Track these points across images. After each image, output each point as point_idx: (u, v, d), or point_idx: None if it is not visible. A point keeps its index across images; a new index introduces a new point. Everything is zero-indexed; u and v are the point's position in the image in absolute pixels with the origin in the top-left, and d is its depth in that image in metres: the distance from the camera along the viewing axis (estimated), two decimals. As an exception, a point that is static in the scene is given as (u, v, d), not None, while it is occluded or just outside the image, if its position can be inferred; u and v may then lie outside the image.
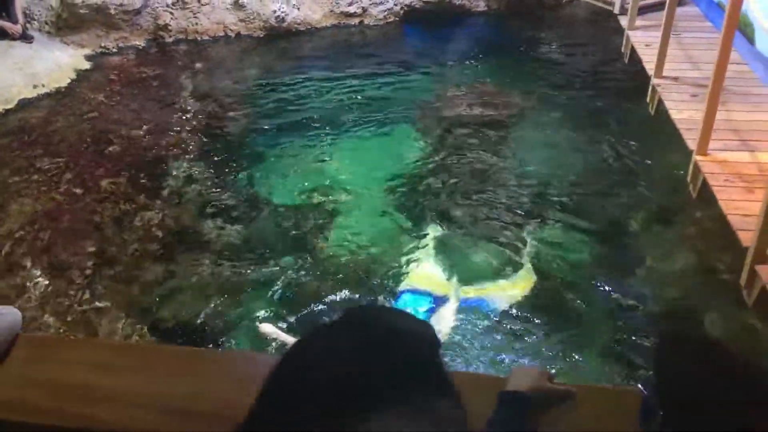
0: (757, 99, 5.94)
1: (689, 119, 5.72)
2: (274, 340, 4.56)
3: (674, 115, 5.83)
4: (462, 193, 6.09)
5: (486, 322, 4.65)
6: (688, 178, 5.38)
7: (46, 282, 5.02)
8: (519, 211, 5.83)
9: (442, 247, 5.39)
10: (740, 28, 6.90)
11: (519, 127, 7.24)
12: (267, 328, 4.63)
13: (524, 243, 5.45)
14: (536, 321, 4.66)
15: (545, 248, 5.41)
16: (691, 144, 5.34)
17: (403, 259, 5.26)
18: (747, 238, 4.26)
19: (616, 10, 8.05)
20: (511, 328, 4.60)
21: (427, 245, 5.41)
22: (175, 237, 5.65)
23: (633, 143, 6.55)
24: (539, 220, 5.73)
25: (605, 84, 8.08)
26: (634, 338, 4.53)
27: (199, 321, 4.77)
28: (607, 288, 4.95)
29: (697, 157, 5.19)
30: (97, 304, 4.94)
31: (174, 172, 6.48)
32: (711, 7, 7.89)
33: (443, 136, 7.06)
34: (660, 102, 6.36)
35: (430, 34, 9.82)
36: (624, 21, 7.88)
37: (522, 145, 6.90)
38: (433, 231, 5.58)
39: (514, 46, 9.36)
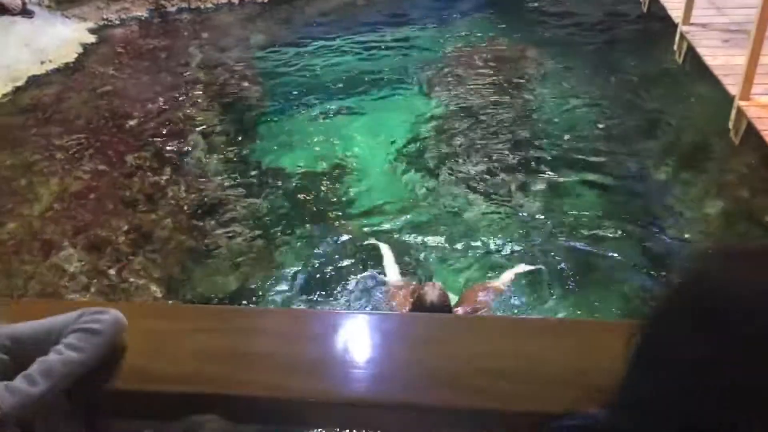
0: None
1: (726, 65, 5.63)
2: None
3: (709, 61, 5.73)
4: (483, 155, 5.95)
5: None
6: (730, 124, 5.30)
7: (85, 262, 4.91)
8: (549, 168, 5.76)
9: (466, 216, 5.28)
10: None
11: (540, 83, 7.13)
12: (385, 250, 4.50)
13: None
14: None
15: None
16: (732, 90, 5.26)
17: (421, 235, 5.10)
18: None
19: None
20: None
21: (456, 218, 5.29)
22: (204, 210, 5.54)
23: (664, 92, 6.48)
24: (573, 175, 5.66)
25: (625, 34, 7.97)
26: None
27: (236, 290, 4.69)
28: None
29: (740, 103, 5.11)
30: (139, 281, 4.84)
31: (195, 144, 6.34)
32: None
33: (457, 96, 6.93)
34: (689, 49, 6.26)
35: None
36: (641, -32, 7.73)
37: (545, 100, 6.80)
38: (455, 199, 5.47)
39: (521, 2, 9.18)
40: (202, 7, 9.04)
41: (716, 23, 6.39)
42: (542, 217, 5.20)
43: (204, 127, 6.57)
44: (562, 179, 5.65)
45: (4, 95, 6.90)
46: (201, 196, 5.65)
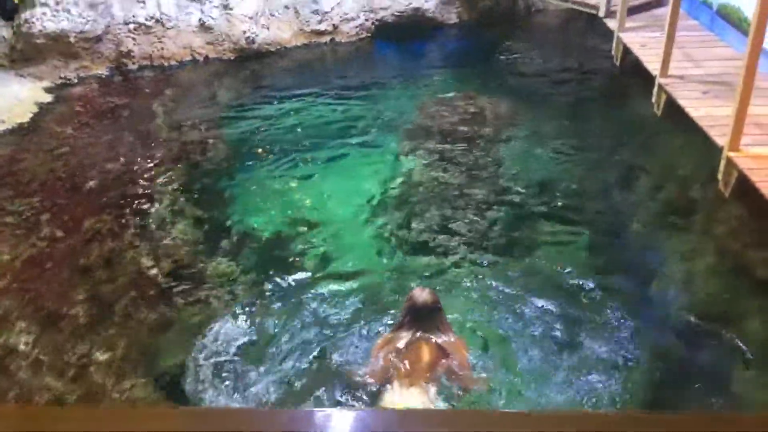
0: (765, 93, 5.81)
1: (710, 116, 5.53)
2: None
3: (692, 112, 5.63)
4: (447, 213, 5.69)
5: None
6: (719, 175, 5.16)
7: (38, 338, 4.43)
8: (527, 224, 5.55)
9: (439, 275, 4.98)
10: (739, 25, 6.83)
11: (514, 137, 6.97)
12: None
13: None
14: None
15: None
16: (720, 141, 5.14)
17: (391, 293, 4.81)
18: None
19: (602, 14, 7.92)
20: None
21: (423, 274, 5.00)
22: (168, 276, 5.14)
23: (644, 144, 6.38)
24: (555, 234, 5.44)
25: (599, 88, 7.95)
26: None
27: (202, 367, 4.25)
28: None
29: (730, 154, 4.98)
30: (97, 357, 4.38)
31: (159, 206, 5.98)
32: (694, 4, 7.83)
33: (430, 151, 6.71)
34: (668, 101, 6.18)
35: (404, 47, 9.57)
36: (612, 23, 7.74)
37: (522, 155, 6.61)
38: (430, 256, 5.18)
39: (493, 55, 9.18)
40: (166, 64, 8.77)
41: (693, 75, 6.36)
42: (519, 274, 4.93)
43: (168, 187, 6.21)
44: (541, 236, 5.44)
45: (-48, 158, 6.45)
46: (165, 261, 5.25)
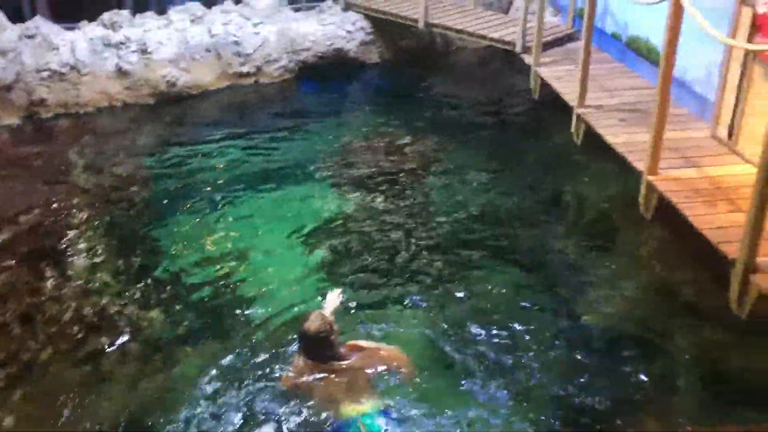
0: (678, 119, 6.10)
1: (628, 142, 5.75)
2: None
3: (611, 140, 5.85)
4: (380, 248, 5.65)
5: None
6: (640, 199, 5.34)
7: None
8: (453, 254, 5.56)
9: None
10: (648, 56, 7.17)
11: (439, 169, 7.04)
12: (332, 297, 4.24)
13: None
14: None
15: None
16: (639, 165, 5.33)
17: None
18: (730, 250, 4.18)
19: (518, 50, 8.18)
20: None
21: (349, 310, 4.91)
22: (92, 329, 4.86)
23: (566, 172, 6.55)
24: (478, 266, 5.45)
25: (520, 119, 8.17)
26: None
27: (133, 421, 4.02)
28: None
29: (649, 177, 5.16)
30: (18, 424, 4.07)
31: (78, 256, 5.69)
32: (603, 38, 8.20)
33: (357, 188, 6.69)
34: (587, 130, 6.39)
35: (328, 87, 9.60)
36: (528, 59, 8.00)
37: (447, 188, 6.67)
38: (360, 294, 5.09)
39: (415, 92, 9.34)
40: (82, 111, 8.48)
41: (609, 104, 6.62)
42: (446, 303, 4.91)
43: (87, 236, 5.93)
44: (468, 264, 5.43)
45: None
46: (87, 313, 4.97)
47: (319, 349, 3.74)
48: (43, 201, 6.44)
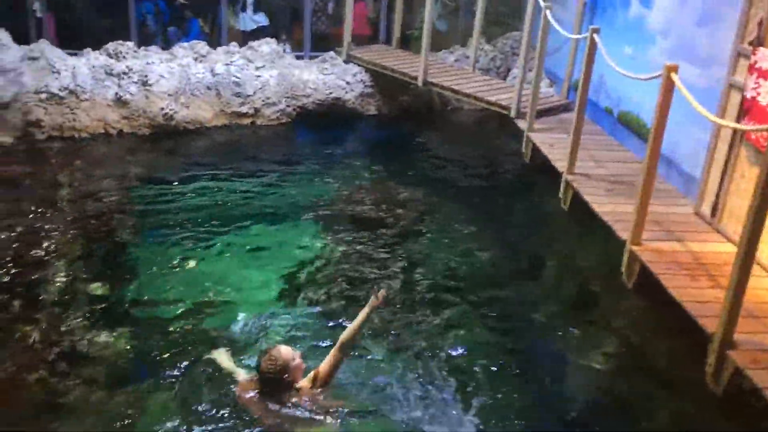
0: (664, 194, 6.20)
1: (614, 212, 5.82)
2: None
3: (597, 208, 5.92)
4: (356, 296, 5.53)
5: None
6: (623, 268, 5.37)
7: None
8: (435, 317, 5.49)
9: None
10: (639, 131, 7.32)
11: (425, 224, 7.06)
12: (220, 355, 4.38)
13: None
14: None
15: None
16: (623, 235, 5.38)
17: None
18: (709, 324, 4.19)
19: (513, 114, 8.35)
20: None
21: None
22: (62, 355, 4.76)
23: (551, 236, 6.60)
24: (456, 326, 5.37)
25: (509, 181, 8.26)
26: None
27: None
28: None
29: (632, 247, 5.21)
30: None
31: (55, 279, 5.63)
32: (597, 111, 8.38)
33: (345, 235, 6.69)
34: (575, 197, 6.47)
35: (324, 135, 9.71)
36: (522, 124, 8.15)
37: (431, 242, 6.67)
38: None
39: (409, 147, 9.46)
40: (77, 136, 8.52)
41: (597, 174, 6.72)
42: (421, 362, 4.80)
43: (66, 260, 5.88)
44: (444, 322, 5.34)
45: None
46: (58, 338, 4.88)
47: (276, 386, 3.85)
48: (25, 221, 6.40)
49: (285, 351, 3.93)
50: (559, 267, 6.25)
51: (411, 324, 5.30)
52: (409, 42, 11.26)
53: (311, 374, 4.04)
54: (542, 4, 7.63)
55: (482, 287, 5.94)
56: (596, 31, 6.27)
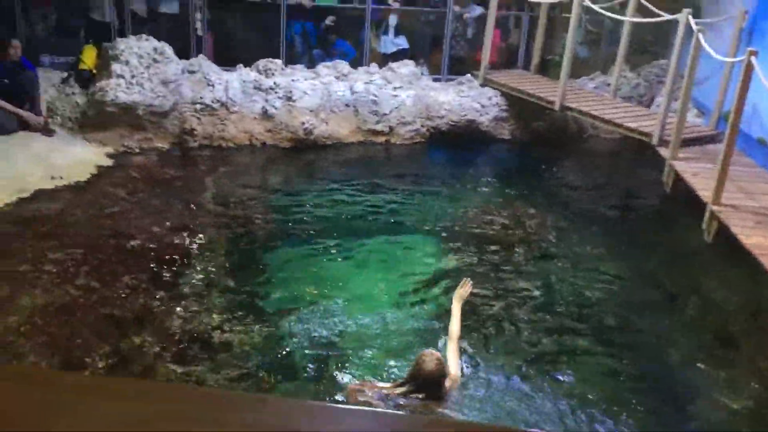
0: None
1: (763, 245, 5.41)
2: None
3: (745, 240, 5.52)
4: (481, 315, 5.50)
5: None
6: (772, 306, 4.97)
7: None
8: (558, 336, 5.32)
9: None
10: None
11: (556, 251, 6.86)
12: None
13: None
14: None
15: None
16: (774, 269, 4.99)
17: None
18: None
19: (654, 141, 7.99)
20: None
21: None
22: (193, 341, 5.06)
23: (694, 270, 6.23)
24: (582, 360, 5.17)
25: (646, 210, 7.90)
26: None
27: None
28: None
29: (785, 283, 4.81)
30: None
31: (196, 272, 5.99)
32: (749, 142, 7.87)
33: (473, 255, 6.64)
34: (720, 228, 6.08)
35: (455, 156, 9.75)
36: (664, 152, 7.79)
37: (562, 269, 6.48)
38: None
39: (542, 172, 9.28)
40: (224, 146, 9.08)
41: (746, 206, 6.28)
42: (548, 390, 4.66)
43: (207, 255, 6.26)
44: (574, 352, 5.20)
45: (7, 205, 6.63)
46: (193, 326, 5.19)
47: (434, 387, 3.95)
48: (174, 218, 6.88)
49: (435, 352, 4.07)
50: (700, 301, 5.87)
51: (534, 345, 5.17)
52: (547, 68, 11.13)
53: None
54: (694, 27, 7.30)
55: (613, 316, 5.71)
56: (754, 53, 5.91)
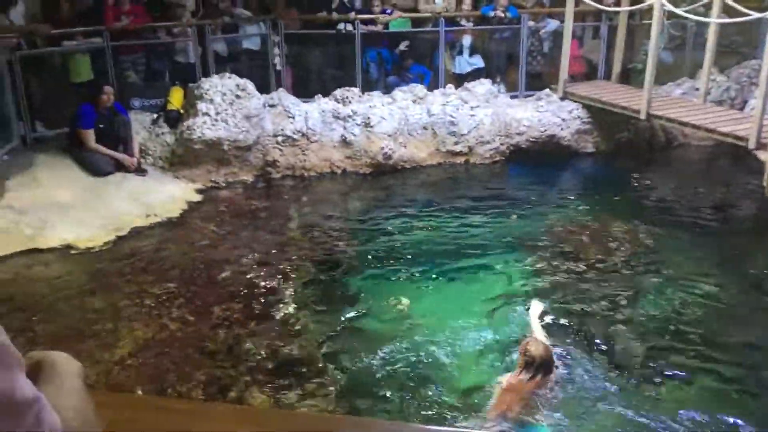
0: None
1: None
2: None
3: None
4: (576, 331, 5.34)
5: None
6: None
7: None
8: (657, 352, 5.08)
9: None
10: None
11: (650, 266, 6.56)
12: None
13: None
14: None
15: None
16: None
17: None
18: None
19: (751, 145, 7.57)
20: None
21: None
22: (286, 367, 5.11)
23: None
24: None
25: (746, 218, 7.52)
26: None
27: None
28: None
29: None
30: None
31: (285, 300, 6.07)
32: None
33: (555, 272, 6.44)
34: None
35: (537, 172, 9.55)
36: (762, 155, 7.37)
37: (657, 285, 6.18)
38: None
39: (629, 185, 8.96)
40: (306, 175, 9.25)
41: None
42: (639, 400, 4.51)
43: (295, 284, 6.34)
44: (671, 363, 4.97)
45: (106, 243, 6.98)
46: (283, 353, 5.26)
47: (548, 366, 4.33)
48: (261, 247, 7.04)
49: (533, 337, 4.65)
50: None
51: (631, 360, 4.96)
52: (629, 77, 10.81)
53: None
54: (786, 23, 6.92)
55: (718, 332, 5.40)
56: None
